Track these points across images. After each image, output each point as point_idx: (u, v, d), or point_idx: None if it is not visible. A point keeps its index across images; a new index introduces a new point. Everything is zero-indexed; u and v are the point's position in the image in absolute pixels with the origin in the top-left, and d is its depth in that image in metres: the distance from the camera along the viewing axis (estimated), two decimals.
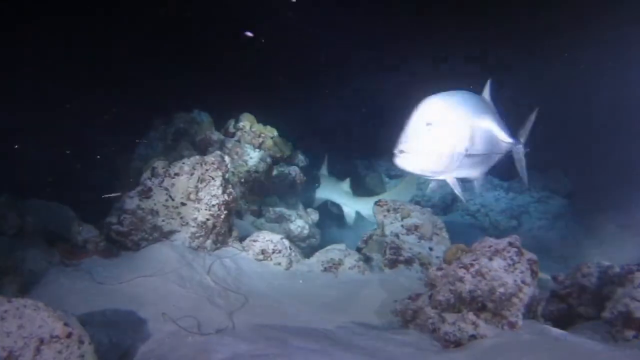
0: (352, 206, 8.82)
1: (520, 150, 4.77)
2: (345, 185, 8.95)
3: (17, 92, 6.67)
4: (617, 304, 3.56)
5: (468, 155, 3.63)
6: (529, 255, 3.93)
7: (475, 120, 3.70)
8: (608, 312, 3.61)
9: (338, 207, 8.88)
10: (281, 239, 5.67)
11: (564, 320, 4.14)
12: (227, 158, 5.79)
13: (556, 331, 3.51)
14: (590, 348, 3.19)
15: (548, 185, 9.20)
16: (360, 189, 9.61)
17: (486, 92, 4.63)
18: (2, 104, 6.11)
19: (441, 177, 3.91)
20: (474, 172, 4.30)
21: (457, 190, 4.00)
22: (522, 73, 9.45)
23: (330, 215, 8.82)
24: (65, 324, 2.72)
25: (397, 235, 5.84)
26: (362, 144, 10.78)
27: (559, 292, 4.32)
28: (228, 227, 5.68)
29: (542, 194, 8.85)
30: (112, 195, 4.61)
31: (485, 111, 4.08)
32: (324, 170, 9.13)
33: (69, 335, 2.70)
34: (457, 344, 3.67)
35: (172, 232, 5.31)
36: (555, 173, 9.61)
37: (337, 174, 9.41)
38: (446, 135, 3.56)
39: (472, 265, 3.84)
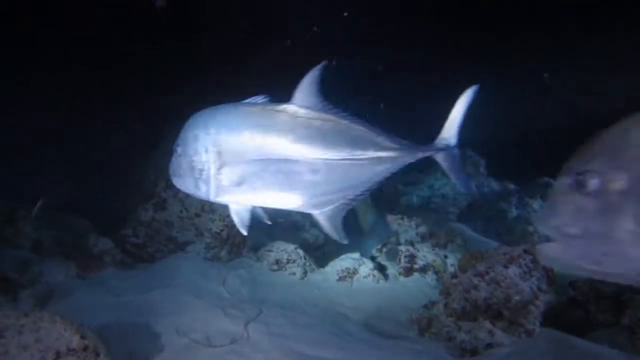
0: (369, 213, 8.82)
1: (448, 153, 3.41)
2: None
3: (33, 104, 6.76)
4: (636, 311, 3.51)
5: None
6: None
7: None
8: (627, 319, 3.56)
9: (354, 213, 8.88)
10: (295, 248, 5.67)
11: (582, 327, 4.08)
12: None
13: (574, 339, 3.47)
14: (610, 356, 3.15)
15: None
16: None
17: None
18: (22, 120, 6.20)
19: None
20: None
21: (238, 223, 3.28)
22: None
23: (346, 223, 8.79)
24: (82, 337, 2.75)
25: (411, 243, 5.81)
26: None
27: (576, 299, 4.27)
28: (242, 237, 5.69)
29: None
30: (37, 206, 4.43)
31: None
32: None
33: (85, 348, 2.72)
34: (474, 352, 3.65)
35: (187, 243, 5.34)
36: None
37: None
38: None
39: (487, 272, 3.81)
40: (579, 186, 1.72)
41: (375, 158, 3.04)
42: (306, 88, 2.76)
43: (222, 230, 5.36)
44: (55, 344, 2.67)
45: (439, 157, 3.31)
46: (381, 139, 3.10)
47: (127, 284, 4.71)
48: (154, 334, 3.80)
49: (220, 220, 5.35)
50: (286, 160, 2.81)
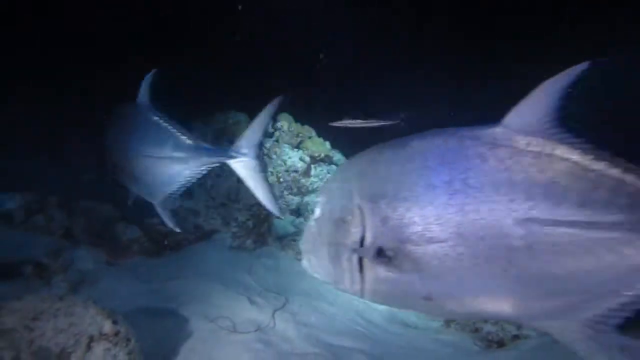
0: None
1: (244, 161, 3.35)
2: None
3: (64, 94, 6.88)
4: None
5: None
6: None
7: None
8: None
9: None
10: None
11: None
12: (265, 158, 5.86)
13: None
14: None
15: None
16: None
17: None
18: (51, 108, 6.31)
19: None
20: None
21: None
22: None
23: None
24: (114, 322, 2.81)
25: None
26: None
27: None
28: (268, 226, 5.73)
29: None
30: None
31: None
32: None
33: (117, 334, 2.78)
34: (500, 344, 3.63)
35: (213, 232, 5.40)
36: None
37: None
38: None
39: None
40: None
41: None
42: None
43: (247, 220, 5.40)
44: (88, 328, 2.73)
45: (236, 166, 3.25)
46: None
47: (155, 271, 4.79)
48: (181, 321, 3.87)
49: (246, 210, 5.40)
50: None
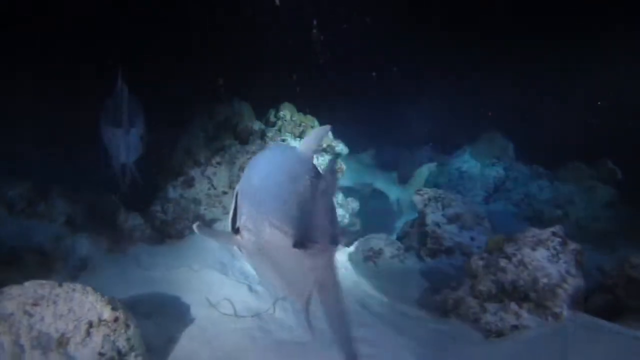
0: (397, 193, 8.92)
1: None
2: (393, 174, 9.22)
3: (67, 83, 6.87)
4: None
5: None
6: (573, 245, 3.84)
7: None
8: None
9: (382, 194, 8.93)
10: None
11: (611, 312, 4.02)
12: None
13: (602, 323, 3.43)
14: (638, 340, 3.10)
15: (594, 174, 8.93)
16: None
17: None
18: (56, 98, 6.32)
19: None
20: None
21: None
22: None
23: (373, 203, 8.82)
24: (113, 308, 2.82)
25: (438, 225, 5.78)
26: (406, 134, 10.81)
27: (605, 284, 4.21)
28: None
29: (589, 183, 8.58)
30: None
31: None
32: (366, 159, 9.20)
33: (116, 319, 2.79)
34: (499, 334, 3.64)
35: (214, 221, 5.40)
36: (603, 162, 9.31)
37: (384, 163, 9.47)
38: None
39: (514, 255, 3.78)
40: None
41: None
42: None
43: None
44: (87, 314, 2.75)
45: None
46: None
47: (156, 259, 4.81)
48: (181, 308, 3.88)
49: None
50: None
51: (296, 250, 1.92)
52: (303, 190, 2.14)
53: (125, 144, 4.79)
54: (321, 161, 6.80)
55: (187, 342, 3.48)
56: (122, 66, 4.92)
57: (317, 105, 7.98)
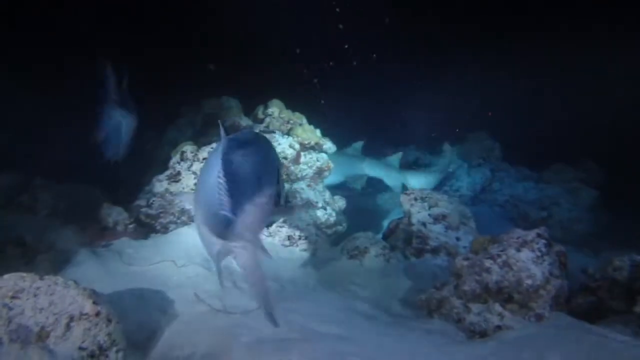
0: (399, 178, 8.99)
1: None
2: (393, 159, 9.29)
3: (55, 78, 6.80)
4: None
5: None
6: (557, 247, 3.87)
7: None
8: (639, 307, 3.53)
9: (380, 181, 8.95)
10: (307, 225, 5.68)
11: (594, 313, 4.05)
12: None
13: (584, 324, 3.45)
14: (620, 342, 3.13)
15: (578, 176, 9.00)
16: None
17: None
18: (41, 90, 6.25)
19: None
20: None
21: None
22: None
23: (362, 200, 8.78)
24: (94, 303, 2.79)
25: (424, 224, 5.79)
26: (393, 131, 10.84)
27: (589, 285, 4.24)
28: None
29: (573, 184, 8.65)
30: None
31: None
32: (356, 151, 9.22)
33: (97, 314, 2.76)
34: (483, 334, 3.64)
35: None
36: (586, 163, 9.40)
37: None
38: None
39: (499, 255, 3.79)
40: None
41: None
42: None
43: None
44: (68, 308, 2.71)
45: None
46: None
47: (140, 254, 4.76)
48: (165, 303, 3.86)
49: None
50: None
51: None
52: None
53: (119, 128, 5.19)
54: (309, 159, 6.79)
55: (169, 337, 3.46)
56: (107, 57, 4.99)
57: (305, 102, 7.97)
